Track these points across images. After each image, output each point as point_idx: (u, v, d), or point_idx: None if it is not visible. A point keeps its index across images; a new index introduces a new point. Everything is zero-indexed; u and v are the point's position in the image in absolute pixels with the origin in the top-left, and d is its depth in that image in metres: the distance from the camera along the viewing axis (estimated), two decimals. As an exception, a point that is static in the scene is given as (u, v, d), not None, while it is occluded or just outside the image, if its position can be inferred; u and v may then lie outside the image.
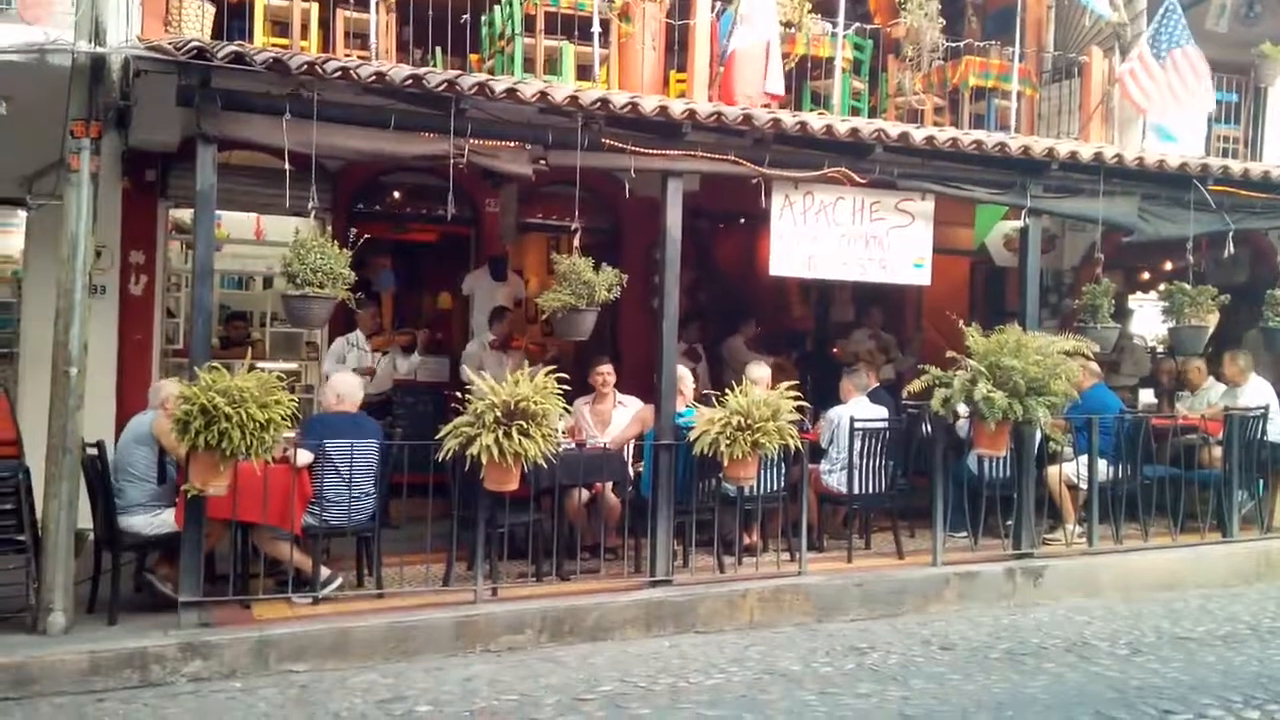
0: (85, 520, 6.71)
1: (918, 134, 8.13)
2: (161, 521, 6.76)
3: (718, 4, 9.19)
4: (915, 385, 8.05)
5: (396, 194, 11.00)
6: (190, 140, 6.90)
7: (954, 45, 10.07)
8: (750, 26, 8.57)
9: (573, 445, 7.76)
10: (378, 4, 8.11)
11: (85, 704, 5.74)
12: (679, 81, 9.31)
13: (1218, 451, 9.44)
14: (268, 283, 12.30)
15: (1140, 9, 10.50)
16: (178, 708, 5.73)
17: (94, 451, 6.64)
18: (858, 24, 10.01)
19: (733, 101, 8.45)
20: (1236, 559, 9.17)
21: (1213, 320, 9.51)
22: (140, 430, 6.79)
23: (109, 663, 5.99)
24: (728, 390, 7.48)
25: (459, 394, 6.90)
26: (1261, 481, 9.63)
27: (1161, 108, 9.71)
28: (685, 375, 8.26)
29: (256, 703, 5.82)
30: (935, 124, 9.68)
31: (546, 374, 6.89)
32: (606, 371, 8.54)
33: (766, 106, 8.39)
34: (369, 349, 9.85)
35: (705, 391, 8.50)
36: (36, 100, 6.70)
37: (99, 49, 6.30)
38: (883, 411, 8.97)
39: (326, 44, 8.31)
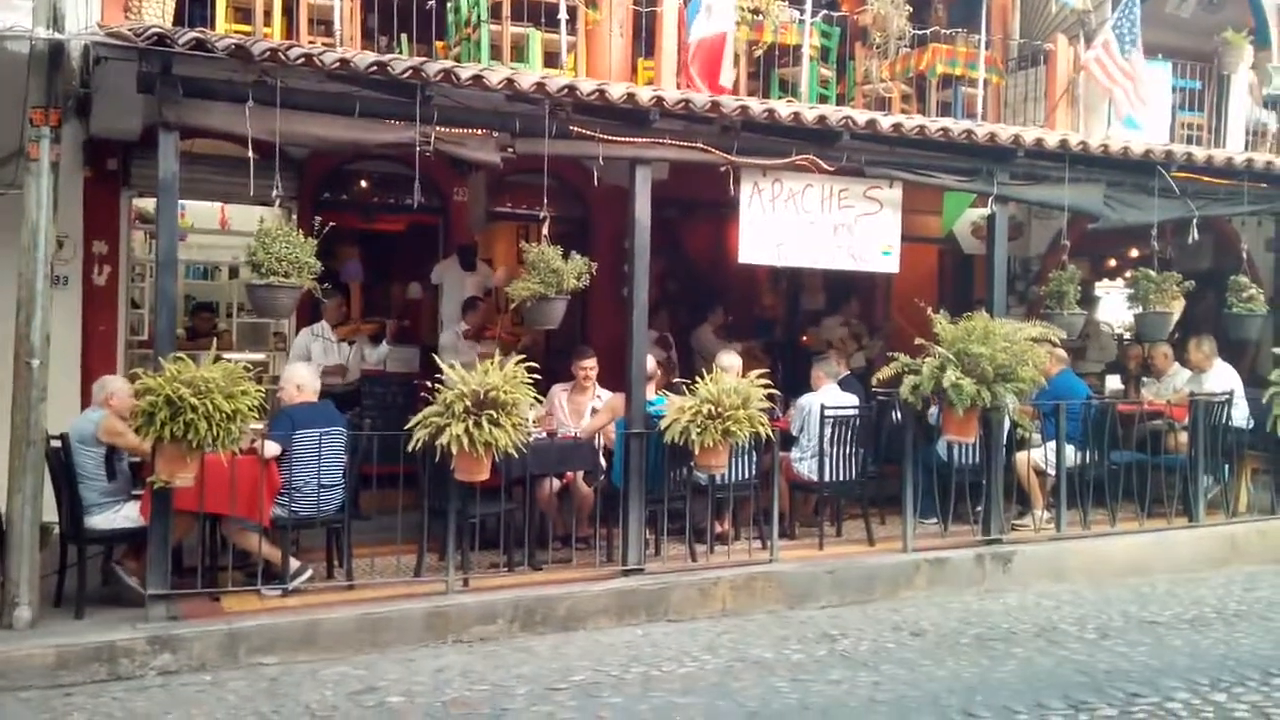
0: (50, 514, 6.63)
1: (885, 121, 8.15)
2: (123, 517, 6.68)
3: (685, -9, 9.15)
4: (884, 372, 8.09)
5: (363, 183, 10.91)
6: (152, 128, 6.79)
7: (921, 33, 10.07)
8: (711, 16, 8.54)
9: (544, 435, 7.74)
10: (343, -10, 8.01)
11: (53, 698, 5.68)
12: (647, 69, 9.26)
13: (1184, 437, 9.54)
14: (233, 273, 12.18)
15: (1105, -4, 10.55)
16: (147, 701, 5.67)
17: (58, 444, 6.55)
18: (825, 11, 10.02)
19: (697, 90, 8.43)
20: (1203, 543, 9.28)
21: (1178, 306, 9.62)
22: (85, 431, 6.63)
23: (76, 657, 5.93)
24: (698, 378, 7.48)
25: (429, 384, 6.85)
26: (1227, 466, 9.73)
27: (1125, 96, 9.76)
28: (650, 363, 8.26)
29: (226, 695, 5.77)
30: (903, 111, 9.71)
31: (516, 363, 6.86)
32: (590, 366, 8.52)
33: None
34: (334, 339, 9.78)
35: (675, 380, 8.50)
36: (-6, 88, 6.59)
37: (57, 35, 6.20)
38: (853, 399, 9.00)
39: (290, 30, 8.19)
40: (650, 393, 8.08)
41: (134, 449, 6.66)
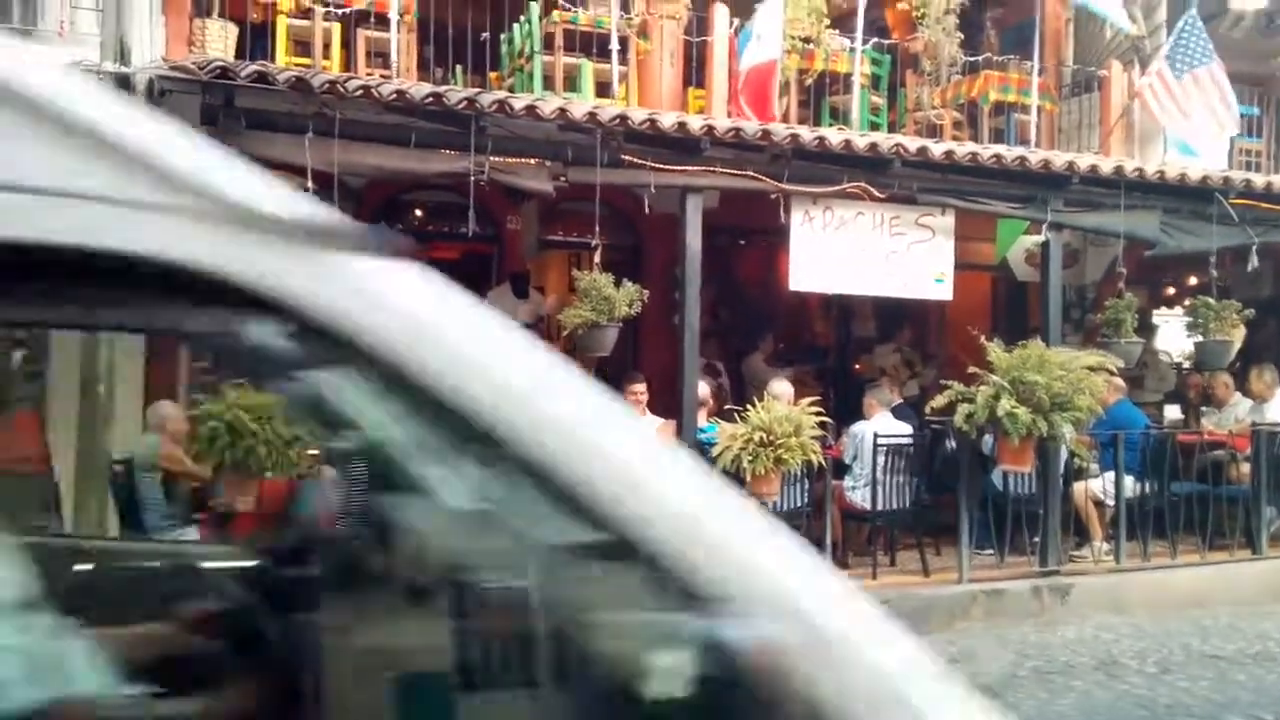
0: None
1: (937, 148, 8.12)
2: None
3: (735, 21, 9.21)
4: (938, 401, 8.02)
5: (419, 212, 11.03)
6: (214, 160, 6.93)
7: (972, 60, 10.05)
8: (761, 44, 8.59)
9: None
10: (399, 23, 8.16)
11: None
12: (697, 98, 9.33)
13: (1246, 468, 9.35)
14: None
15: (1160, 22, 10.48)
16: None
17: (121, 469, 6.66)
18: (875, 39, 10.02)
19: (758, 115, 8.47)
20: (1266, 576, 9.06)
21: (1238, 335, 9.44)
22: (143, 457, 6.72)
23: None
24: (749, 406, 7.46)
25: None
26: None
27: (1181, 122, 9.67)
28: (702, 389, 8.25)
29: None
30: (954, 139, 9.67)
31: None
32: (640, 391, 8.51)
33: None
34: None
35: (728, 407, 8.48)
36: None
37: (124, 69, 6.38)
38: (906, 427, 8.92)
39: (348, 63, 8.36)
40: (702, 420, 8.07)
41: (190, 475, 6.75)
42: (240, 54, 7.78)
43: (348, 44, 8.43)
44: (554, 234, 11.16)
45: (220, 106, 6.43)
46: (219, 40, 7.66)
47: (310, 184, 6.54)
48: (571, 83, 8.74)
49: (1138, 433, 8.98)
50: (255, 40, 8.12)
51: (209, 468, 6.24)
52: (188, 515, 6.89)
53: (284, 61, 7.91)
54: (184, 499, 6.94)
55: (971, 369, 8.06)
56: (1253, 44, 11.42)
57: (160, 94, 6.82)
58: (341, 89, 6.50)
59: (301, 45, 8.29)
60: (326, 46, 8.24)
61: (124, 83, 6.44)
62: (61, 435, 6.78)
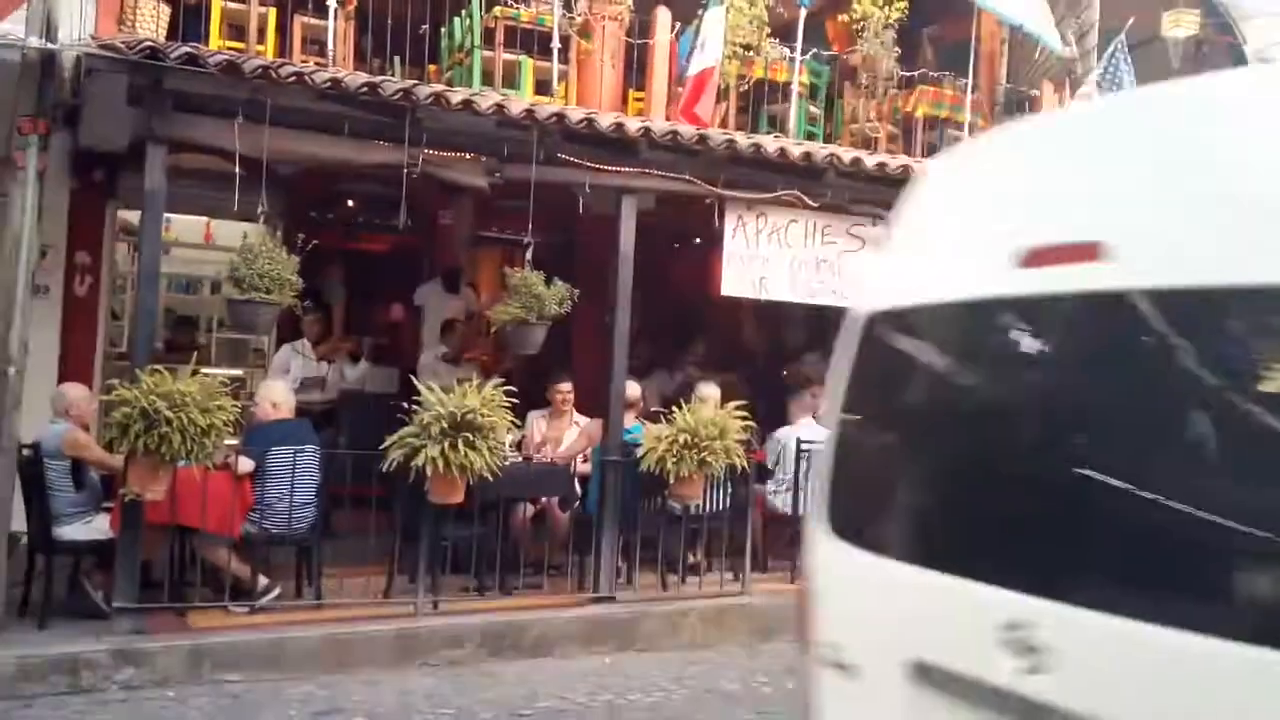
0: (20, 523, 6.58)
1: (870, 160, 8.23)
2: (94, 528, 6.65)
3: (677, 24, 9.24)
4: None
5: (350, 203, 10.94)
6: (140, 141, 6.81)
7: (909, 75, 10.20)
8: (704, 52, 8.62)
9: (519, 459, 7.73)
10: (336, 11, 8.08)
11: (12, 709, 5.62)
12: (637, 100, 9.36)
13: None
14: (215, 288, 12.13)
15: (1091, 46, 10.70)
16: (108, 714, 5.64)
17: (30, 453, 6.52)
18: (815, 50, 10.12)
19: (697, 124, 8.50)
20: None
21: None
22: (49, 444, 6.59)
23: (38, 668, 5.88)
24: (675, 408, 7.51)
25: (405, 404, 6.85)
26: None
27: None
28: (632, 390, 8.29)
29: (188, 712, 5.74)
30: (889, 151, 9.79)
31: (495, 387, 6.87)
32: (566, 390, 8.52)
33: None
34: (314, 356, 9.77)
35: (654, 409, 8.52)
36: (-17, 95, 6.60)
37: (50, 45, 6.23)
38: (829, 433, 9.00)
39: (283, 49, 8.26)
40: (629, 420, 8.09)
41: (99, 463, 6.63)
42: (172, 35, 7.64)
43: (283, 30, 8.33)
44: (488, 230, 11.13)
45: (148, 88, 6.31)
46: (151, 20, 7.52)
47: (238, 170, 6.46)
48: (510, 79, 8.72)
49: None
50: (188, 22, 7.98)
51: (119, 455, 6.11)
52: (97, 503, 6.77)
53: (217, 45, 7.79)
54: (93, 487, 6.82)
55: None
56: (1181, 72, 11.70)
57: (87, 72, 6.67)
58: (274, 75, 6.42)
59: (235, 29, 8.18)
60: (261, 31, 8.14)
61: (49, 59, 6.29)
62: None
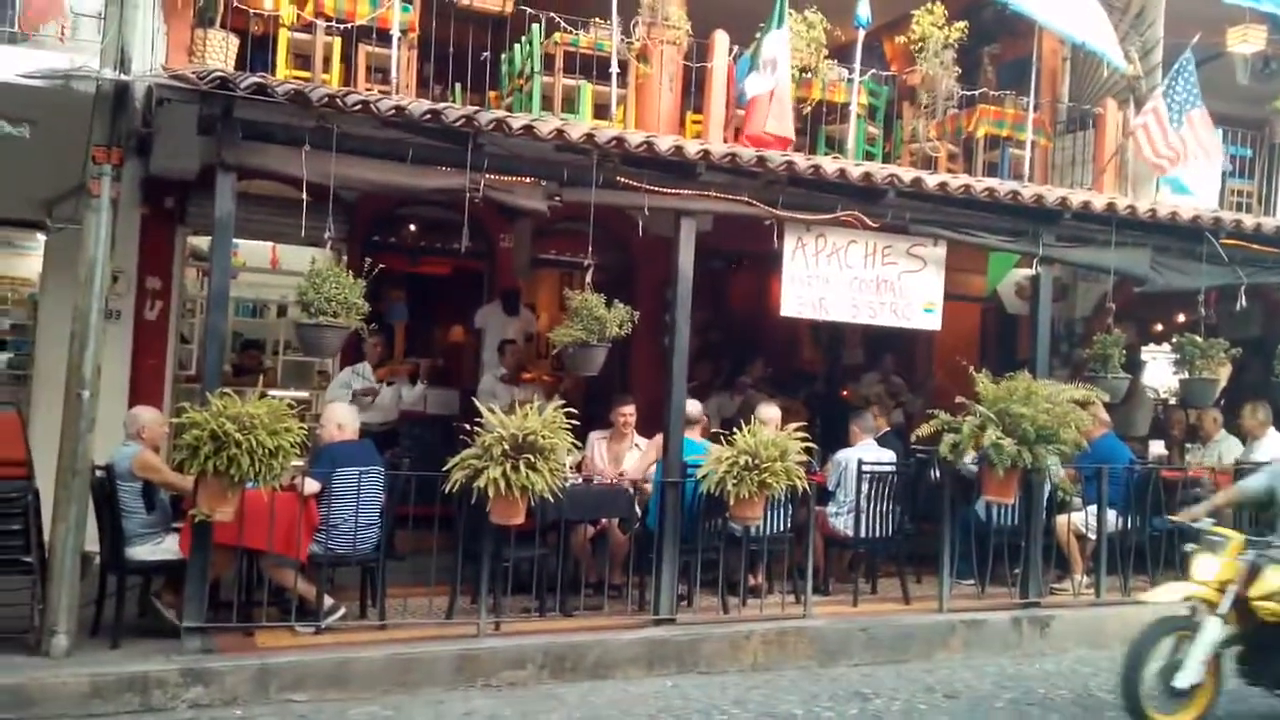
0: (93, 543, 6.72)
1: (931, 180, 8.18)
2: (164, 549, 6.77)
3: (735, 48, 9.27)
4: (924, 430, 8.05)
5: (412, 227, 11.08)
6: (210, 168, 6.98)
7: (969, 94, 10.13)
8: (770, 72, 8.62)
9: (580, 480, 7.76)
10: (400, 40, 8.20)
11: (85, 728, 5.73)
12: (695, 123, 9.38)
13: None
14: (282, 311, 12.37)
15: (1156, 63, 10.54)
16: (177, 734, 5.72)
17: (103, 475, 6.66)
18: (873, 70, 10.08)
19: (757, 146, 8.51)
20: (1245, 614, 9.07)
21: (1224, 373, 9.49)
22: (121, 465, 6.72)
23: (110, 686, 5.99)
24: (736, 430, 7.49)
25: (467, 425, 6.91)
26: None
27: (1173, 162, 9.73)
28: (696, 409, 8.32)
29: (255, 731, 5.81)
30: (949, 171, 9.72)
31: (556, 409, 6.90)
32: (629, 413, 8.55)
33: (768, 145, 8.49)
34: (373, 379, 9.89)
35: (714, 430, 8.51)
36: (60, 125, 6.78)
37: (124, 77, 6.38)
38: (890, 455, 8.94)
39: (347, 78, 8.40)
40: (696, 437, 8.11)
41: (169, 484, 6.75)
42: (240, 65, 7.81)
43: (348, 59, 8.46)
44: (547, 253, 11.21)
45: (218, 117, 6.46)
46: (219, 51, 7.69)
47: (305, 196, 6.58)
48: (570, 104, 8.79)
49: (1121, 467, 9.01)
50: (255, 52, 8.15)
51: (189, 476, 6.22)
52: (166, 524, 6.89)
53: (283, 74, 7.94)
54: (163, 508, 6.94)
55: (958, 399, 8.10)
56: (1249, 87, 11.50)
57: (158, 102, 6.84)
58: (340, 103, 6.53)
59: (302, 59, 8.33)
60: (327, 60, 8.28)
61: (122, 90, 6.45)
62: (44, 440, 6.76)
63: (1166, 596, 6.33)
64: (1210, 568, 6.13)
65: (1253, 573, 6.02)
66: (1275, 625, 5.99)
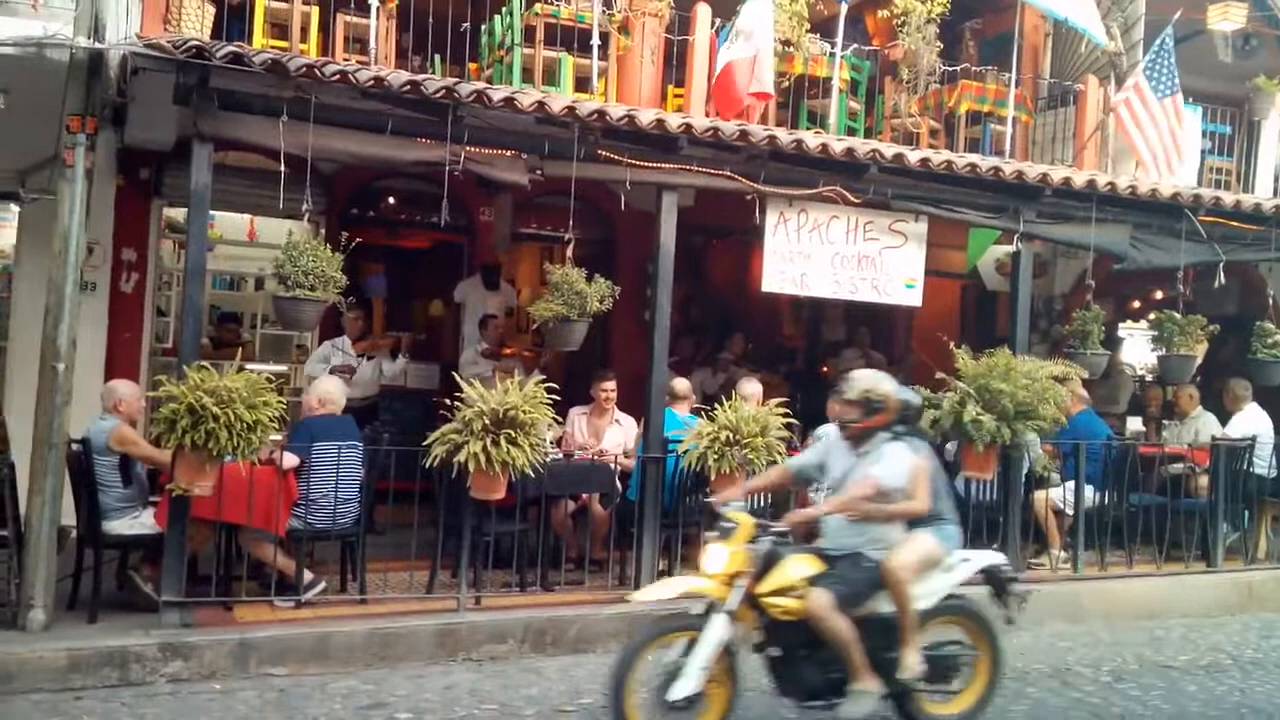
0: (70, 517, 6.67)
1: (912, 155, 8.17)
2: (141, 523, 6.73)
3: (717, 20, 9.21)
4: (904, 406, 8.05)
5: (391, 200, 10.99)
6: (186, 139, 6.90)
7: (951, 69, 10.11)
8: (747, 41, 8.57)
9: (560, 456, 7.75)
10: (378, 10, 8.11)
11: (63, 701, 5.70)
12: (677, 96, 9.33)
13: (1204, 481, 9.46)
14: (259, 284, 12.28)
15: (1137, 39, 10.56)
16: (156, 708, 5.70)
17: (79, 448, 6.60)
18: (856, 45, 10.05)
19: (724, 113, 8.47)
20: (1220, 589, 9.18)
21: (1201, 350, 9.56)
22: (98, 440, 6.66)
23: (88, 661, 5.96)
24: (717, 405, 7.49)
25: (448, 400, 6.88)
26: (1247, 513, 9.65)
27: (1152, 141, 9.74)
28: (683, 384, 8.37)
29: (235, 705, 5.79)
30: (930, 147, 9.72)
31: (536, 383, 6.88)
32: (610, 388, 8.53)
33: (749, 108, 8.47)
34: (353, 353, 9.83)
35: (696, 405, 8.51)
36: (33, 94, 6.70)
37: (98, 45, 6.30)
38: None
39: (326, 48, 8.31)
40: (684, 412, 8.11)
41: (146, 458, 6.70)
42: (217, 34, 7.70)
43: (326, 29, 8.38)
44: (527, 227, 11.15)
45: (194, 86, 6.36)
46: (195, 20, 7.58)
47: (283, 168, 6.51)
48: (551, 76, 8.73)
49: (1099, 444, 9.06)
50: (232, 21, 8.06)
51: (166, 450, 6.17)
52: (144, 498, 6.85)
53: (261, 44, 7.85)
54: (140, 482, 6.89)
55: (939, 375, 8.12)
56: (1229, 65, 11.53)
57: (133, 71, 6.76)
58: (318, 73, 6.45)
59: (279, 28, 8.23)
60: (304, 30, 8.18)
61: (96, 59, 6.36)
62: (19, 414, 6.71)
63: (660, 594, 5.48)
64: (720, 558, 5.19)
65: (768, 563, 5.20)
66: (794, 625, 5.19)
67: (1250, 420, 9.76)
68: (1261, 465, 9.56)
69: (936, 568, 5.58)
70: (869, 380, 5.60)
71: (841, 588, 5.21)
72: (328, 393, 7.40)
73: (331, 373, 9.18)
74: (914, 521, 5.49)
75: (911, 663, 5.32)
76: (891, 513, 5.37)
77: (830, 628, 5.13)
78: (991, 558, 6.07)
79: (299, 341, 11.07)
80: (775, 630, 5.27)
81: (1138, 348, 13.87)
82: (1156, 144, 9.63)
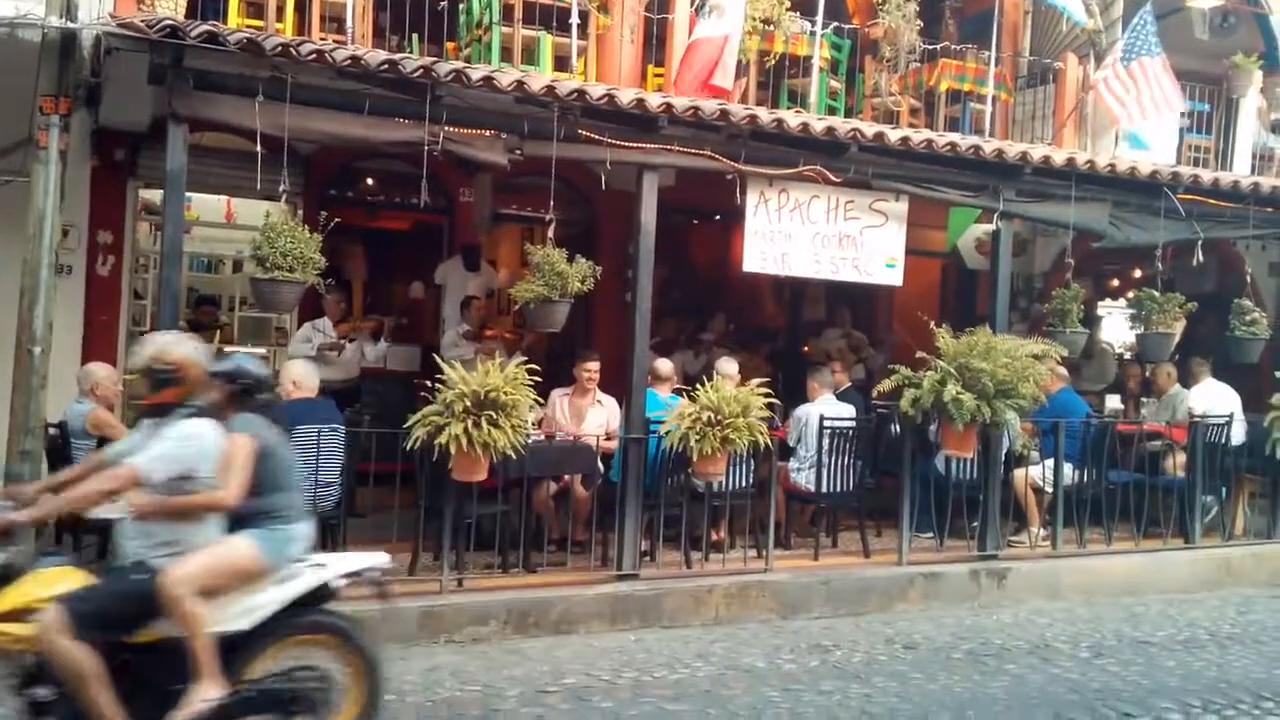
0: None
1: (893, 134, 8.16)
2: (120, 506, 6.66)
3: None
4: (885, 385, 8.10)
5: (370, 181, 10.93)
6: (161, 120, 6.82)
7: (931, 48, 10.10)
8: (719, 19, 8.52)
9: (542, 437, 7.74)
10: (355, -12, 8.03)
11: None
12: (657, 76, 9.29)
13: (1182, 458, 9.53)
14: (237, 266, 12.20)
15: (1116, 17, 10.57)
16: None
17: (56, 432, 6.55)
18: (836, 24, 10.02)
19: (680, 91, 8.41)
20: (1198, 565, 9.27)
21: (1179, 328, 9.62)
22: (74, 424, 6.60)
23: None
24: (698, 386, 7.49)
25: (429, 382, 6.85)
26: (1224, 489, 9.74)
27: (1134, 115, 9.78)
28: (667, 366, 8.38)
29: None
30: (911, 125, 9.72)
31: (518, 365, 6.86)
32: (594, 369, 8.50)
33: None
34: (334, 335, 9.78)
35: (677, 386, 8.51)
36: (5, 75, 6.61)
37: (70, 24, 6.23)
38: (850, 410, 8.98)
39: (302, 27, 8.22)
40: (666, 393, 8.11)
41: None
42: (191, 13, 7.62)
43: (302, 7, 8.28)
44: (508, 207, 11.11)
45: (169, 66, 6.28)
46: (170, -2, 7.50)
47: (259, 148, 6.45)
48: (530, 56, 8.66)
49: (1078, 421, 9.11)
50: (207, 1, 7.96)
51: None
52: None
53: (236, 23, 7.77)
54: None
55: (919, 354, 8.14)
56: (1207, 43, 11.56)
57: (107, 51, 6.67)
58: (294, 52, 6.39)
59: (254, 7, 8.14)
60: (280, 9, 8.09)
61: (69, 39, 6.28)
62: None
63: None
64: None
65: (3, 577, 4.17)
66: (41, 659, 4.06)
67: (1204, 395, 9.85)
68: (1235, 439, 9.63)
69: (260, 577, 4.52)
70: (158, 346, 4.53)
71: (85, 605, 4.07)
72: (301, 375, 7.34)
73: (317, 352, 9.15)
74: (241, 521, 4.53)
75: (198, 698, 4.18)
76: (173, 507, 4.37)
77: (62, 660, 3.99)
78: (362, 560, 5.00)
79: (278, 324, 11.00)
80: (49, 665, 4.07)
81: (1116, 326, 13.96)
82: (1147, 100, 9.63)
